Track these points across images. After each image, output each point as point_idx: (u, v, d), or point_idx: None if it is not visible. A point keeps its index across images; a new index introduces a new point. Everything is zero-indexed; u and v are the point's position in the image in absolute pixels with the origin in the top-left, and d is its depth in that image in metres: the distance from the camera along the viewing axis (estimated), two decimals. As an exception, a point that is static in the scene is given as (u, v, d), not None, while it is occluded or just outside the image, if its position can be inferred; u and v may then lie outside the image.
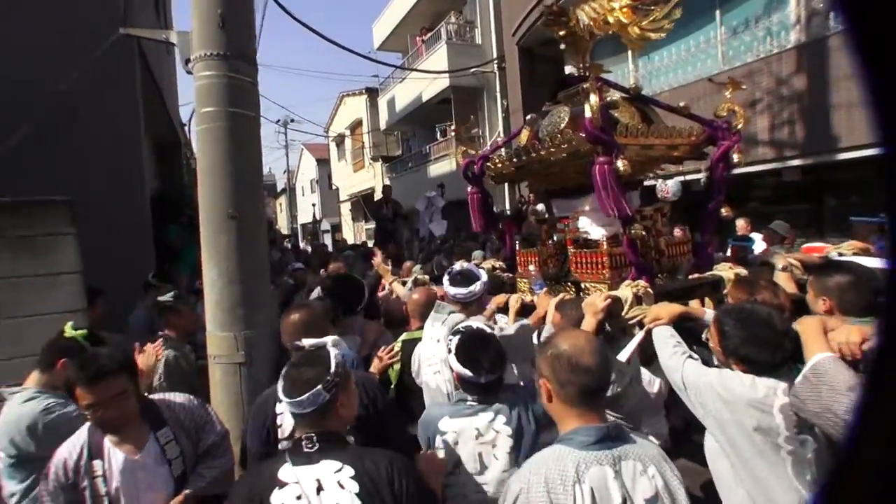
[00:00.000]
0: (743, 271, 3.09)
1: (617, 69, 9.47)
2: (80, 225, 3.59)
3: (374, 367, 3.11)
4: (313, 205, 33.10)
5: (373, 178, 23.31)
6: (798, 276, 3.06)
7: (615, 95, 3.42)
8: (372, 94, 23.01)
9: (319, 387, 1.61)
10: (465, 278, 3.02)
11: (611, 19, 2.93)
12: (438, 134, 18.49)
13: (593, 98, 2.70)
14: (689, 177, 5.29)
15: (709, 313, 2.48)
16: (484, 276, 3.11)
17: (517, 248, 3.96)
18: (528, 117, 3.67)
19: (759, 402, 1.83)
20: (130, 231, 5.80)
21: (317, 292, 4.14)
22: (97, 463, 2.02)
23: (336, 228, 30.47)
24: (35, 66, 5.09)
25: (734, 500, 1.94)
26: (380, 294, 4.51)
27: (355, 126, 25.45)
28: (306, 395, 1.60)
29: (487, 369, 2.11)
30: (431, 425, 2.20)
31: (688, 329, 2.46)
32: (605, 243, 3.12)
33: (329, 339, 1.89)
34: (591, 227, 3.31)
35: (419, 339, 2.98)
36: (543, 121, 3.47)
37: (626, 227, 2.95)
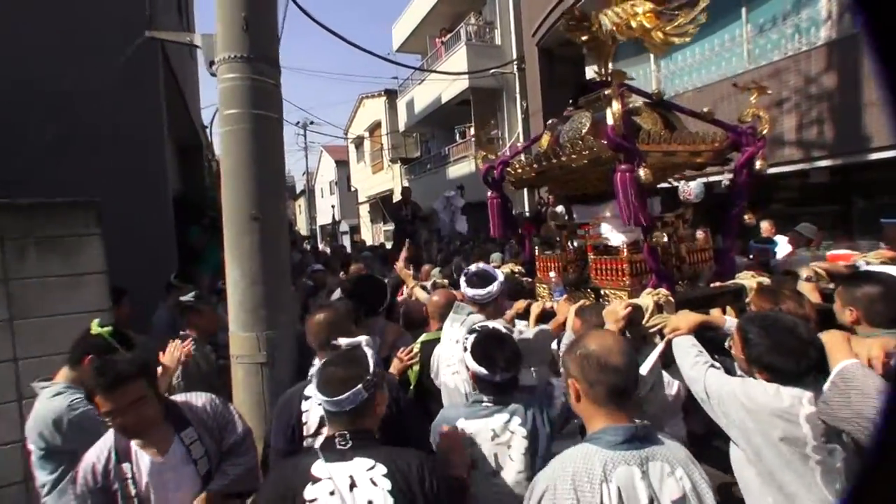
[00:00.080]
0: (766, 280, 3.04)
1: (638, 69, 9.39)
2: (105, 226, 3.65)
3: (394, 367, 3.11)
4: (332, 206, 33.30)
5: (391, 179, 23.38)
6: (823, 285, 3.00)
7: (637, 101, 3.39)
8: (391, 95, 23.11)
9: (360, 386, 1.64)
10: (482, 279, 3.02)
11: (634, 24, 2.90)
12: (457, 135, 18.45)
13: (615, 105, 2.68)
14: (711, 178, 5.23)
15: (730, 322, 2.45)
16: (501, 277, 3.11)
17: (536, 252, 3.94)
18: (549, 122, 3.66)
19: (784, 412, 1.80)
20: (154, 232, 5.88)
21: (337, 293, 4.16)
22: (126, 466, 2.04)
23: (355, 230, 30.62)
24: (62, 68, 5.18)
25: None
26: (399, 297, 4.52)
27: (374, 128, 25.57)
28: (346, 394, 1.63)
29: (503, 368, 2.10)
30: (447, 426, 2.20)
31: (709, 338, 2.43)
32: (625, 250, 3.10)
33: (363, 339, 1.91)
34: (612, 234, 3.28)
35: (438, 341, 2.99)
36: (564, 126, 3.45)
37: (647, 234, 2.92)
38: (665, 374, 2.65)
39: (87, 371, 2.31)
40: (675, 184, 3.94)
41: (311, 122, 29.98)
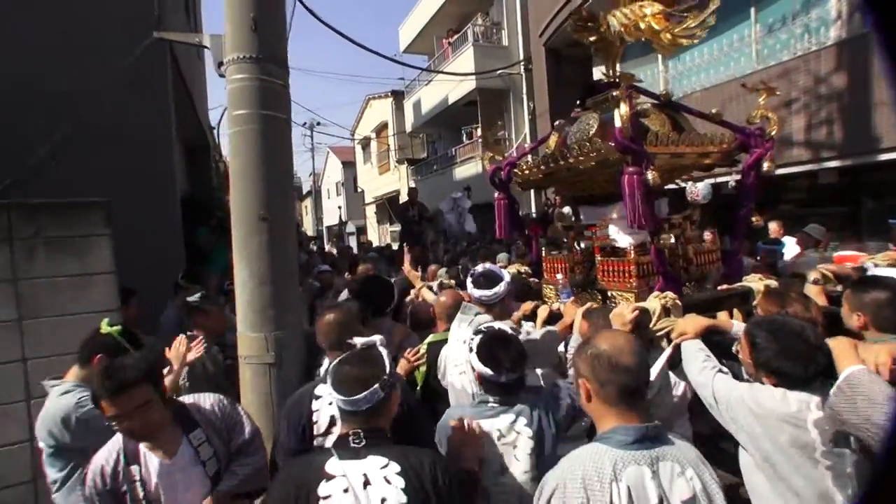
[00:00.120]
0: (773, 283, 3.03)
1: (646, 70, 9.35)
2: (113, 226, 3.65)
3: (400, 368, 3.11)
4: (339, 207, 33.36)
5: (398, 180, 23.39)
6: (830, 288, 2.99)
7: (645, 102, 3.38)
8: (398, 96, 23.11)
9: (377, 386, 1.66)
10: (489, 280, 3.02)
11: (642, 25, 2.89)
12: (464, 136, 18.42)
13: (623, 108, 2.67)
14: (719, 179, 5.21)
15: (737, 326, 2.45)
16: (507, 277, 3.10)
17: (543, 253, 3.94)
18: (557, 123, 3.66)
19: (791, 417, 1.80)
20: (162, 233, 5.89)
21: (344, 294, 4.17)
22: (134, 468, 2.05)
23: (361, 231, 30.68)
24: (71, 69, 5.21)
25: None
26: (407, 299, 4.52)
27: (381, 129, 25.59)
28: (364, 393, 1.64)
29: (508, 368, 2.10)
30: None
31: (716, 342, 2.42)
32: (632, 252, 3.09)
33: (378, 339, 1.92)
34: (619, 235, 3.27)
35: (445, 341, 2.99)
36: (572, 127, 3.45)
37: (654, 235, 2.91)
38: (671, 375, 2.65)
39: (97, 370, 2.33)
40: (683, 185, 3.93)
41: (318, 123, 30.11)
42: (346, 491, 1.55)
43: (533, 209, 12.32)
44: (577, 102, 3.58)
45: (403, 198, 14.14)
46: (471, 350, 2.20)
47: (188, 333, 3.46)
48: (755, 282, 3.07)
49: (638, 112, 2.97)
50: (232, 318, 3.57)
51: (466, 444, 1.96)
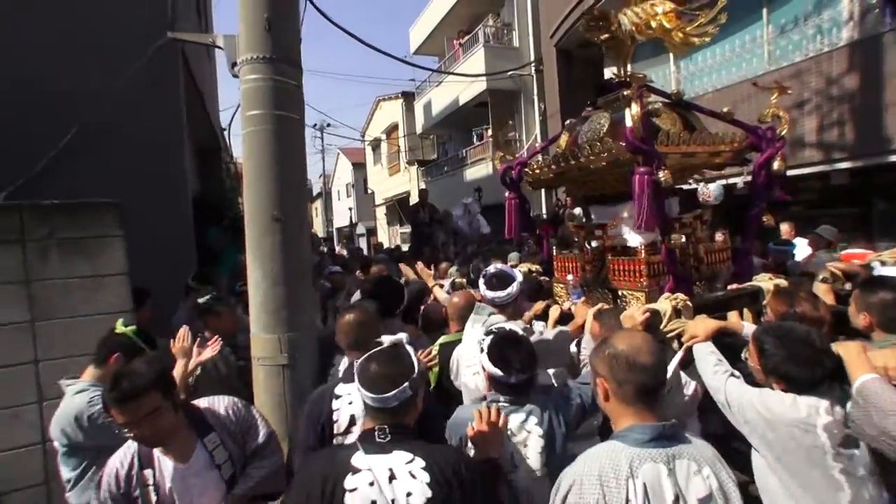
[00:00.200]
0: (783, 282, 3.02)
1: (658, 70, 9.32)
2: (125, 227, 3.67)
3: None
4: (349, 209, 33.42)
5: (408, 181, 23.40)
6: (839, 287, 2.98)
7: (657, 102, 3.37)
8: (408, 98, 23.15)
9: (406, 384, 1.69)
10: (501, 280, 3.03)
11: (654, 24, 2.90)
12: (475, 137, 18.41)
13: (634, 108, 2.67)
14: (731, 180, 5.18)
15: (747, 327, 2.45)
16: (519, 277, 3.11)
17: (554, 252, 3.94)
18: (568, 122, 3.66)
19: (801, 422, 1.83)
20: (174, 234, 5.90)
21: (357, 295, 4.17)
22: (148, 472, 2.05)
23: (371, 232, 30.71)
24: (84, 70, 5.25)
25: None
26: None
27: (391, 130, 25.64)
28: (394, 391, 1.67)
29: (518, 369, 2.11)
30: (462, 426, 2.18)
31: (727, 344, 2.43)
32: (643, 251, 3.09)
33: (404, 336, 1.94)
34: (630, 235, 3.27)
35: (457, 343, 2.99)
36: (583, 127, 3.45)
37: (665, 235, 2.91)
38: (682, 375, 2.65)
39: (113, 369, 2.35)
40: (695, 185, 3.92)
41: (328, 125, 30.17)
42: (371, 484, 1.57)
43: (544, 210, 12.29)
44: (589, 103, 3.59)
45: (414, 199, 14.16)
46: (481, 350, 2.21)
47: (199, 336, 3.48)
48: (765, 281, 3.06)
49: (649, 111, 2.97)
50: (244, 319, 3.57)
51: (490, 432, 1.96)
